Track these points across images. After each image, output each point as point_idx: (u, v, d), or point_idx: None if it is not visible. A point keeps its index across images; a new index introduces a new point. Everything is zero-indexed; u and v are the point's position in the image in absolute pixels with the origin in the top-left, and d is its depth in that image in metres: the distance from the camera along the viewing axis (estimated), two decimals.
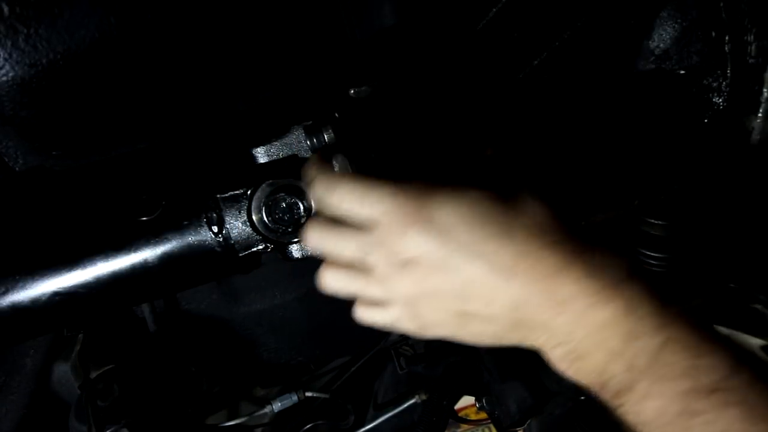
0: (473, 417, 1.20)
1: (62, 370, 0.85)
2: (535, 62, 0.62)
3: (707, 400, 0.38)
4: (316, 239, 0.49)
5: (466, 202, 0.44)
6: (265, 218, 0.56)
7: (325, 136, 0.56)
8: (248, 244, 0.58)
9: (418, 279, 0.44)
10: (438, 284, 0.44)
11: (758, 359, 0.45)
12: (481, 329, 0.46)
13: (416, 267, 0.44)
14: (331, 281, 0.50)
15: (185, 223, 0.56)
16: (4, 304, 0.54)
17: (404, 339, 1.01)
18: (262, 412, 0.91)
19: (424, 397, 0.94)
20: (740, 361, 0.40)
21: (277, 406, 0.91)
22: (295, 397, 0.92)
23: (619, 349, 0.41)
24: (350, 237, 0.47)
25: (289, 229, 0.56)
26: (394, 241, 0.44)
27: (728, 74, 0.64)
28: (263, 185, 0.56)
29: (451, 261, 0.43)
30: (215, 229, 0.56)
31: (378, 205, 0.45)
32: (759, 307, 0.93)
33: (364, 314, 0.50)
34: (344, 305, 0.51)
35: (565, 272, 0.42)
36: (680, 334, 0.41)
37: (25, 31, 0.51)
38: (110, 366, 0.82)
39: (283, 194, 0.56)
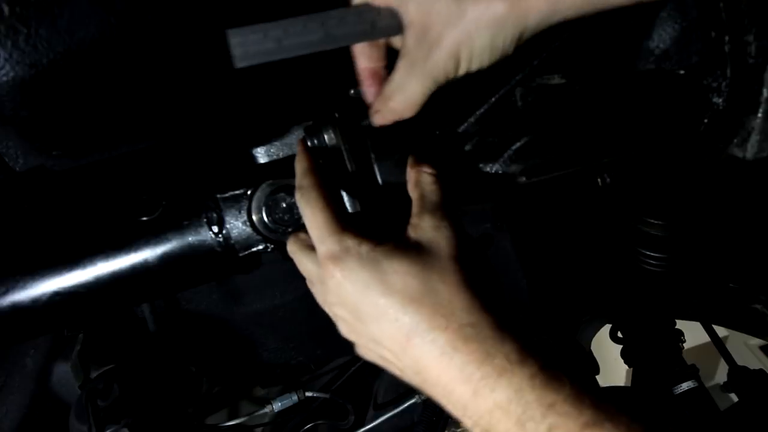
0: None
1: (62, 370, 0.85)
2: (535, 62, 0.62)
3: None
4: (291, 253, 0.54)
5: (390, 268, 0.47)
6: (265, 218, 0.56)
7: (326, 136, 0.56)
8: (248, 244, 0.58)
9: (342, 323, 0.51)
10: (357, 330, 0.50)
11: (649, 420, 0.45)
12: (402, 375, 0.49)
13: (338, 312, 0.50)
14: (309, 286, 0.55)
15: (185, 223, 0.56)
16: (4, 304, 0.54)
17: None
18: (262, 412, 0.91)
19: (424, 397, 0.94)
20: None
21: (277, 406, 0.91)
22: (295, 397, 0.92)
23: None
24: (308, 262, 0.52)
25: (289, 229, 0.56)
26: (324, 284, 0.50)
27: (728, 74, 0.64)
28: (263, 185, 0.56)
29: (361, 316, 0.48)
30: (215, 229, 0.56)
31: (320, 247, 0.50)
32: (759, 307, 0.93)
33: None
34: None
35: (458, 353, 0.44)
36: (565, 418, 0.41)
37: (25, 31, 0.51)
38: (110, 366, 0.82)
39: (283, 194, 0.56)
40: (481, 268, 0.49)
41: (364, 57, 0.54)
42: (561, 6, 0.48)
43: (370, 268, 0.47)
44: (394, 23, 0.51)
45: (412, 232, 0.50)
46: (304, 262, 0.53)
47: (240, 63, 0.49)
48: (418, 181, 0.54)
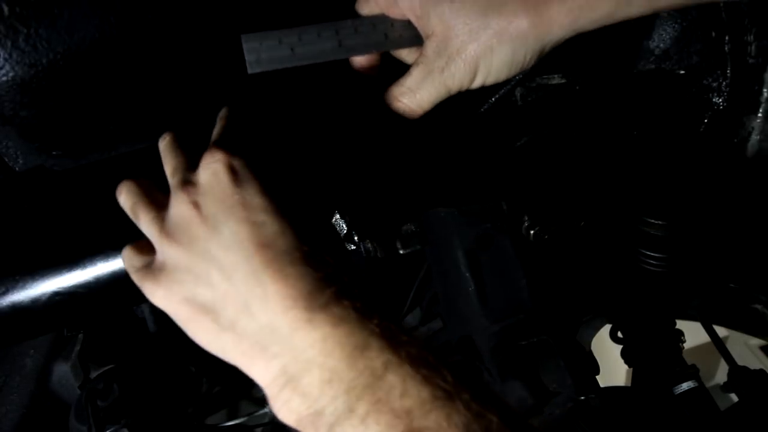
0: None
1: (62, 370, 0.85)
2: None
3: (428, 417, 0.36)
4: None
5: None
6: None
7: None
8: None
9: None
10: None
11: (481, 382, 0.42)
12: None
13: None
14: None
15: None
16: (4, 304, 0.54)
17: None
18: (262, 412, 0.91)
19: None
20: (461, 383, 0.38)
21: None
22: None
23: (341, 368, 0.38)
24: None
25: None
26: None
27: (728, 74, 0.64)
28: None
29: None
30: None
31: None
32: (759, 307, 0.93)
33: None
34: None
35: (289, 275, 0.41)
36: (403, 355, 0.38)
37: (25, 31, 0.51)
38: (110, 366, 0.82)
39: None
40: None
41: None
42: (583, 20, 0.48)
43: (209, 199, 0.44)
44: (406, 35, 0.52)
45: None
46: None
47: (253, 69, 0.49)
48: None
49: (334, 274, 0.42)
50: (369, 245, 0.60)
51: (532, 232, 0.58)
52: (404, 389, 0.37)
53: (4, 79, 0.53)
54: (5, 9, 0.49)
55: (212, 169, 0.44)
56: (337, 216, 0.60)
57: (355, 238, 0.60)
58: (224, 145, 0.46)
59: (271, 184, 0.45)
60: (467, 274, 0.69)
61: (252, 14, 0.59)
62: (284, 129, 0.56)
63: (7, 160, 0.61)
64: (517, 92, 0.64)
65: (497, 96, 0.62)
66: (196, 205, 0.44)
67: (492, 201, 0.64)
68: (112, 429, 0.73)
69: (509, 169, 0.63)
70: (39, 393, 0.83)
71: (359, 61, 0.55)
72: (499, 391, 0.69)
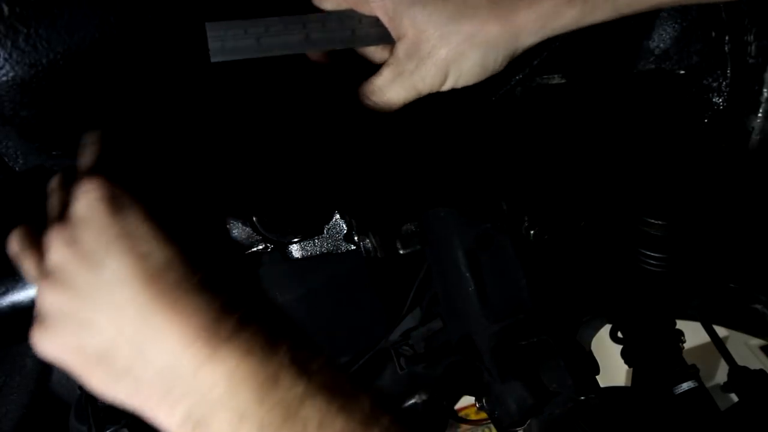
0: (473, 417, 1.20)
1: (62, 370, 0.85)
2: (535, 62, 0.62)
3: None
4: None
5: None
6: (266, 218, 0.56)
7: None
8: (248, 244, 0.58)
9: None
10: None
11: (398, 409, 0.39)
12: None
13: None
14: None
15: None
16: (4, 304, 0.54)
17: (404, 339, 1.01)
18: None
19: (424, 397, 0.94)
20: (380, 408, 0.37)
21: None
22: None
23: (250, 406, 0.35)
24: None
25: (290, 230, 0.56)
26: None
27: (728, 74, 0.64)
28: None
29: None
30: None
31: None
32: (759, 307, 0.93)
33: None
34: (344, 305, 0.51)
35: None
36: (317, 384, 0.36)
37: (25, 31, 0.51)
38: None
39: None
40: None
41: None
42: (551, 27, 0.49)
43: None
44: (374, 33, 0.52)
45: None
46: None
47: (216, 57, 0.48)
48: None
49: (237, 297, 0.39)
50: (369, 245, 0.60)
51: (532, 232, 0.58)
52: (320, 421, 0.35)
53: (4, 79, 0.53)
54: (5, 9, 0.49)
55: (86, 199, 0.40)
56: (337, 216, 0.60)
57: (355, 238, 0.60)
58: (98, 171, 0.42)
59: (156, 207, 0.40)
60: (467, 274, 0.69)
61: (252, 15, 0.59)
62: (165, 146, 0.54)
63: (7, 160, 0.61)
64: (517, 92, 0.64)
65: (497, 95, 0.62)
66: (72, 242, 0.39)
67: (492, 200, 0.64)
68: (112, 429, 0.73)
69: (509, 167, 0.63)
70: (39, 393, 0.83)
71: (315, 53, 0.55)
72: (499, 391, 0.69)
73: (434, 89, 0.53)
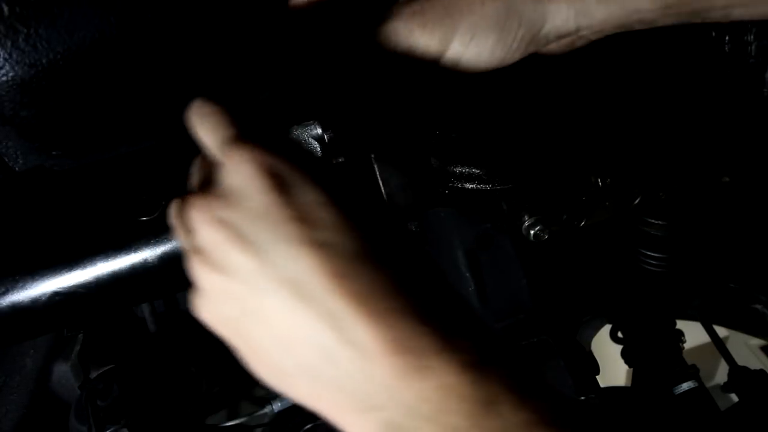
0: None
1: (62, 370, 0.85)
2: None
3: None
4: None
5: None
6: None
7: (326, 136, 0.56)
8: None
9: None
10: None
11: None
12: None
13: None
14: None
15: None
16: (4, 304, 0.54)
17: None
18: (262, 412, 0.91)
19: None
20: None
21: (277, 406, 0.91)
22: None
23: (464, 428, 0.29)
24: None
25: None
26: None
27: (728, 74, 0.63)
28: None
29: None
30: None
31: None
32: (759, 307, 0.93)
33: None
34: None
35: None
36: (541, 417, 0.30)
37: (25, 31, 0.51)
38: (110, 366, 0.82)
39: None
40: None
41: None
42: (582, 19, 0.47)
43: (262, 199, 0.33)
44: None
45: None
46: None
47: None
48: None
49: (440, 304, 0.33)
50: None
51: (532, 232, 0.58)
52: None
53: (4, 79, 0.53)
54: (5, 9, 0.49)
55: (243, 173, 0.34)
56: None
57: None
58: (251, 137, 0.35)
59: (335, 187, 0.34)
60: (467, 274, 0.69)
61: (251, 16, 0.59)
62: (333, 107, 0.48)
63: (7, 160, 0.61)
64: None
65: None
66: (225, 223, 0.33)
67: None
68: (112, 429, 0.73)
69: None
70: (39, 393, 0.83)
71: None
72: None
73: (430, 49, 0.49)
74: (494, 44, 0.48)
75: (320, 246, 0.32)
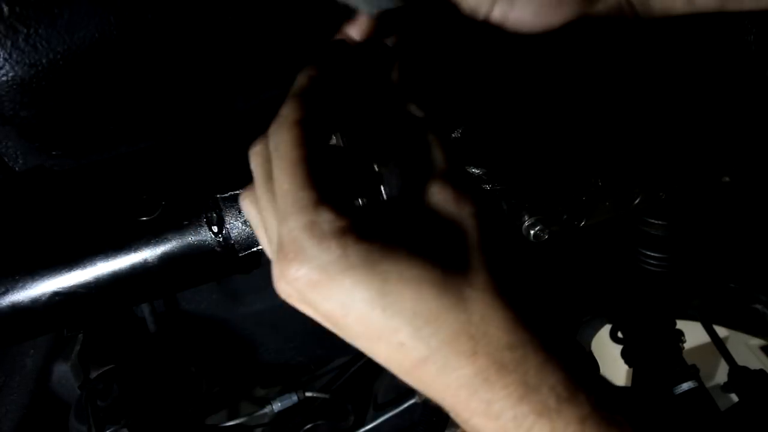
0: None
1: (62, 370, 0.85)
2: None
3: None
4: (245, 208, 0.41)
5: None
6: None
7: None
8: (248, 244, 0.58)
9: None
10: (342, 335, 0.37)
11: None
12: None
13: (311, 314, 0.36)
14: None
15: (185, 223, 0.56)
16: (4, 304, 0.54)
17: None
18: (262, 412, 0.91)
19: (424, 397, 0.94)
20: None
21: (277, 406, 0.91)
22: (295, 397, 0.92)
23: None
24: (270, 218, 0.37)
25: None
26: (283, 279, 0.34)
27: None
28: None
29: (347, 332, 0.36)
30: (215, 229, 0.56)
31: (280, 226, 0.34)
32: (759, 307, 0.93)
33: None
34: None
35: (488, 385, 0.32)
36: None
37: (25, 31, 0.51)
38: (110, 366, 0.82)
39: None
40: (517, 261, 0.36)
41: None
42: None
43: (362, 275, 0.31)
44: None
45: (422, 212, 0.34)
46: (264, 218, 0.37)
47: None
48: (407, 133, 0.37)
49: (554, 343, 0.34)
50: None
51: (532, 232, 0.58)
52: None
53: (4, 79, 0.53)
54: (5, 9, 0.49)
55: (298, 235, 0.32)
56: None
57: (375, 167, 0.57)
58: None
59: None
60: None
61: (251, 16, 0.59)
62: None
63: (7, 160, 0.61)
64: None
65: None
66: (301, 276, 0.32)
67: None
68: (112, 429, 0.73)
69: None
70: (39, 393, 0.83)
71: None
72: None
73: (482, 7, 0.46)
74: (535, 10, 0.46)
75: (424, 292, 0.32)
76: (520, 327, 0.33)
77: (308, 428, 0.96)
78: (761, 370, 0.90)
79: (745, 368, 0.90)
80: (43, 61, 0.52)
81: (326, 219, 0.31)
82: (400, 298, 0.31)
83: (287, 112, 0.35)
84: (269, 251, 0.38)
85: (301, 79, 0.38)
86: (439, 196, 0.35)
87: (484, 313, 0.32)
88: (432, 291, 0.32)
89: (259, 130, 0.40)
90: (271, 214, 0.35)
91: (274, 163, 0.34)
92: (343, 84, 0.39)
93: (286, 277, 0.32)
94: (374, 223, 0.33)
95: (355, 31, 0.45)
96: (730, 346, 0.95)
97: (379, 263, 0.31)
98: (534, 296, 0.35)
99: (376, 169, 0.36)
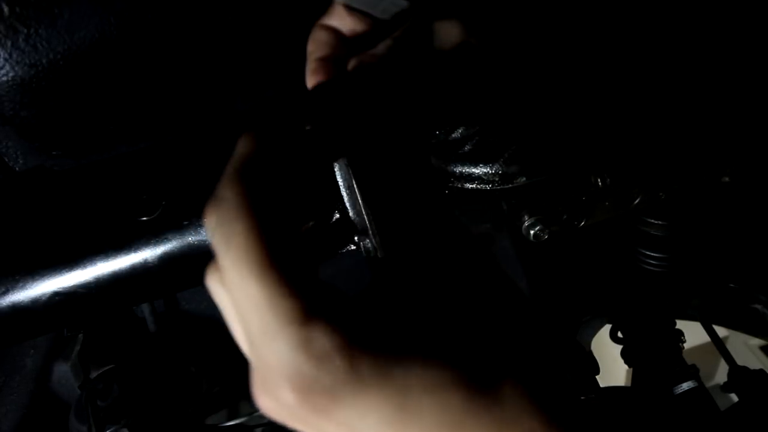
0: None
1: (62, 370, 0.85)
2: None
3: None
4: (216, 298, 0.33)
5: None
6: None
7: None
8: None
9: None
10: None
11: None
12: None
13: None
14: None
15: (185, 223, 0.56)
16: (4, 304, 0.54)
17: None
18: (262, 412, 0.91)
19: None
20: None
21: None
22: None
23: None
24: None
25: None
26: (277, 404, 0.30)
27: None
28: None
29: None
30: None
31: (263, 349, 0.28)
32: (759, 307, 0.93)
33: None
34: None
35: None
36: None
37: (25, 31, 0.51)
38: (110, 366, 0.82)
39: None
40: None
41: (322, 45, 0.41)
42: None
43: (377, 390, 0.26)
44: None
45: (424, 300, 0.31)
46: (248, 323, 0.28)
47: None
48: None
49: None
50: (369, 245, 0.60)
51: (532, 232, 0.58)
52: None
53: (4, 79, 0.53)
54: (5, 9, 0.49)
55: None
56: (337, 215, 0.60)
57: (355, 238, 0.59)
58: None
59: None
60: None
61: (250, 15, 0.59)
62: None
63: (7, 160, 0.61)
64: None
65: None
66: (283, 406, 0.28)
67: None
68: (112, 429, 0.73)
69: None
70: (39, 393, 0.83)
71: (318, 58, 0.42)
72: None
73: None
74: None
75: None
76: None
77: None
78: (761, 370, 0.90)
79: (744, 368, 0.90)
80: (43, 61, 0.52)
81: (322, 334, 0.26)
82: (419, 410, 0.26)
83: (230, 195, 0.29)
84: (245, 347, 0.31)
85: (242, 146, 0.32)
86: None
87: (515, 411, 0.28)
88: (459, 394, 0.27)
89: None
90: (247, 303, 0.27)
91: (233, 269, 0.28)
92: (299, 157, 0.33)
93: (278, 399, 0.28)
94: (374, 324, 0.28)
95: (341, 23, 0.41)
96: (730, 346, 0.95)
97: (394, 374, 0.26)
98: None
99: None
